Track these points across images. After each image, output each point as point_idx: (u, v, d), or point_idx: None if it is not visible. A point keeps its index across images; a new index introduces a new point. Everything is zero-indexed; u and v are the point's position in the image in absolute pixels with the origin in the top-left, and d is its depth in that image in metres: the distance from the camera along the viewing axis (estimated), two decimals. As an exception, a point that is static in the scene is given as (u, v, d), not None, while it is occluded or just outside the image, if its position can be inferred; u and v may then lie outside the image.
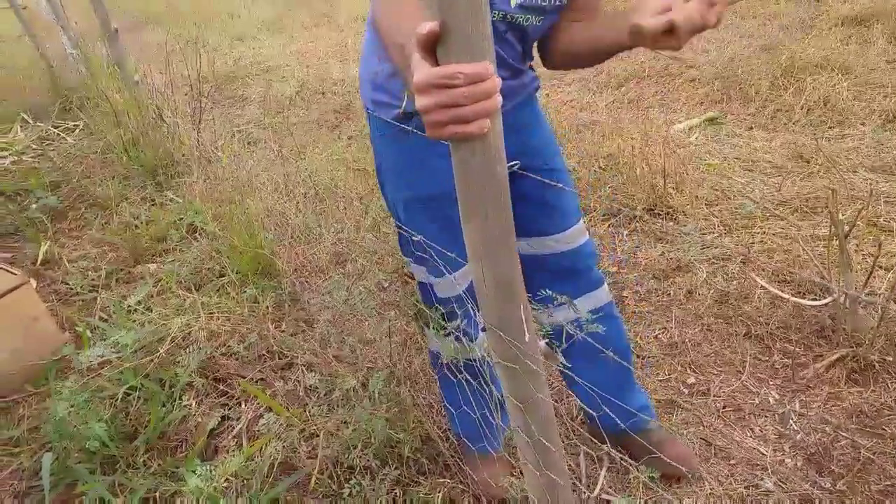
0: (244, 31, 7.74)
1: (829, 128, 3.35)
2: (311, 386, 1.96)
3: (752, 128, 3.53)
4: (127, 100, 3.68)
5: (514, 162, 1.31)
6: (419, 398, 1.80)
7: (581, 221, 1.48)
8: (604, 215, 2.84)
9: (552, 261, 1.48)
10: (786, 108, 3.61)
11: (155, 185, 3.47)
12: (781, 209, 2.68)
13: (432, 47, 0.74)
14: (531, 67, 1.38)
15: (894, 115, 3.33)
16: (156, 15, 8.77)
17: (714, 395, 1.90)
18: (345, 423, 1.77)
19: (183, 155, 3.48)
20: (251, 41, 7.31)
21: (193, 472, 1.57)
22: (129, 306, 2.38)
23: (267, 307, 2.32)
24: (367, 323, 2.05)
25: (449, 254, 1.35)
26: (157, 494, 1.66)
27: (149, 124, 3.59)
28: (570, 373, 1.35)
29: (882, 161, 2.93)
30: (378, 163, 1.44)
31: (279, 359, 2.14)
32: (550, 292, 1.33)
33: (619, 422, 1.25)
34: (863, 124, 3.31)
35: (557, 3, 1.20)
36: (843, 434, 1.72)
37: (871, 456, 1.65)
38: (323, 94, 5.11)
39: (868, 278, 1.90)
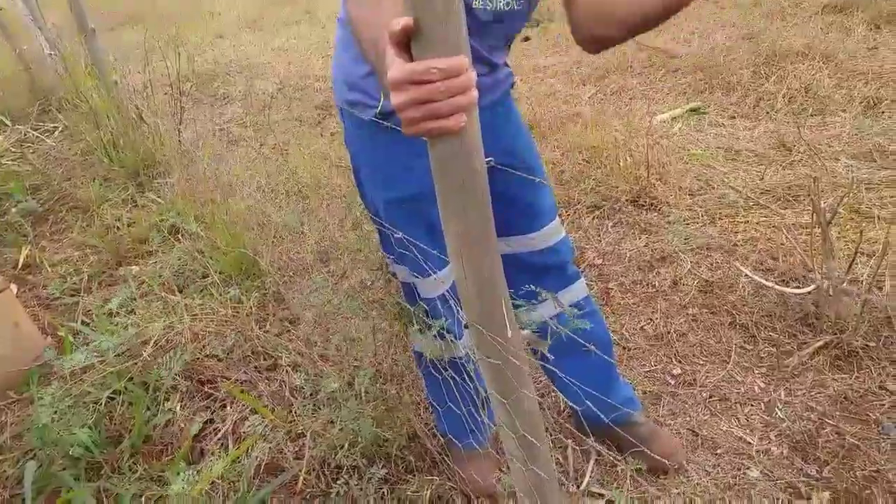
0: (225, 30, 7.68)
1: (811, 116, 3.36)
2: (296, 386, 1.95)
3: (734, 117, 3.54)
4: (106, 100, 3.64)
5: (489, 159, 1.30)
6: (406, 396, 1.79)
7: (556, 218, 1.48)
8: (588, 207, 2.84)
9: (529, 259, 1.47)
10: (768, 97, 3.62)
11: (136, 186, 3.43)
12: (764, 198, 2.69)
13: (406, 43, 0.72)
14: (506, 64, 1.37)
15: (875, 102, 3.34)
16: (134, 14, 8.67)
17: (700, 385, 1.90)
18: (331, 422, 1.75)
19: (164, 155, 3.44)
20: (232, 39, 7.25)
21: (178, 475, 1.56)
22: (112, 310, 2.35)
23: (251, 307, 2.31)
24: (351, 321, 2.03)
25: (432, 251, 1.34)
26: (143, 499, 1.65)
27: (129, 125, 3.55)
28: (553, 367, 1.34)
29: (863, 148, 2.95)
30: (355, 164, 1.42)
31: (264, 359, 2.13)
32: (533, 287, 1.32)
33: (602, 416, 1.24)
34: (844, 111, 3.33)
35: None
36: (829, 421, 1.73)
37: (856, 442, 1.66)
38: (305, 90, 5.08)
39: (850, 265, 1.91)
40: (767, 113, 3.50)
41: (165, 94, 4.12)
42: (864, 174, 2.72)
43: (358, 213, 2.70)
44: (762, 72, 3.88)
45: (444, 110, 0.72)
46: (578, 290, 1.55)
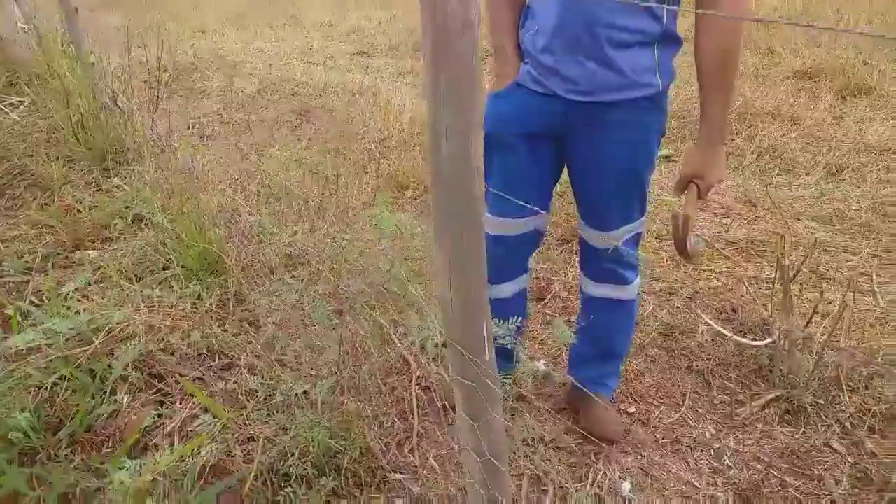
0: (207, 24, 7.60)
1: (777, 175, 3.48)
2: (251, 389, 1.91)
3: (704, 168, 3.63)
4: (81, 80, 3.55)
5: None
6: (364, 409, 1.77)
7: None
8: (557, 240, 2.88)
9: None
10: (737, 153, 3.74)
11: (102, 170, 3.34)
12: (729, 249, 2.76)
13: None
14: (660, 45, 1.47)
15: (837, 169, 3.48)
16: (117, -3, 8.52)
17: (654, 426, 1.93)
18: (284, 429, 1.72)
19: (135, 142, 3.37)
20: (213, 34, 7.18)
21: (120, 468, 1.50)
22: (66, 293, 2.27)
23: (211, 305, 2.26)
24: (314, 328, 2.01)
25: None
26: (79, 490, 1.58)
27: (101, 108, 3.46)
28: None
29: (823, 211, 3.06)
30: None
31: (219, 359, 2.08)
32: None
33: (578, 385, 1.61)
34: (808, 174, 3.46)
35: None
36: (774, 473, 1.77)
37: (798, 496, 1.70)
38: (284, 94, 5.05)
39: (808, 323, 1.97)
40: (736, 168, 3.61)
41: (144, 81, 4.04)
42: (824, 236, 2.82)
43: (329, 221, 2.68)
44: (734, 128, 4.01)
45: None
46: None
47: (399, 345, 2.00)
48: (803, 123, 4.00)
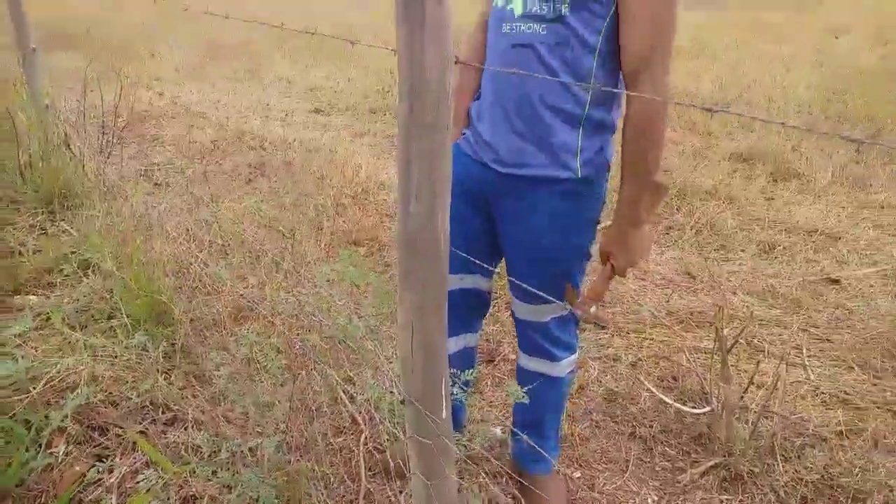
0: (163, 73, 7.60)
1: (714, 250, 3.65)
2: (195, 445, 1.86)
3: (647, 240, 3.79)
4: (32, 121, 3.50)
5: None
6: (312, 468, 1.75)
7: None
8: (506, 303, 2.94)
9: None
10: (677, 227, 3.92)
11: (48, 213, 3.27)
12: (669, 319, 2.87)
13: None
14: (586, 125, 1.44)
15: (770, 247, 3.68)
16: (72, 38, 8.45)
17: (598, 491, 1.96)
18: (228, 487, 1.68)
19: (86, 187, 3.32)
20: (169, 83, 7.18)
21: (53, 527, 1.44)
22: (2, 339, 2.19)
23: (157, 356, 2.21)
24: (263, 384, 1.99)
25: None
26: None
27: (52, 150, 3.41)
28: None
29: (757, 286, 3.22)
30: None
31: (164, 412, 2.03)
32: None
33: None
34: (743, 251, 3.64)
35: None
36: (713, 539, 1.81)
37: (736, 562, 1.74)
38: (239, 146, 5.06)
39: (744, 392, 2.06)
40: (675, 241, 3.77)
41: (99, 126, 4.01)
42: (758, 310, 2.97)
43: (283, 274, 2.68)
44: (674, 203, 4.20)
45: None
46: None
47: (348, 404, 2.00)
48: (738, 202, 4.24)
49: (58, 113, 3.69)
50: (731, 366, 2.50)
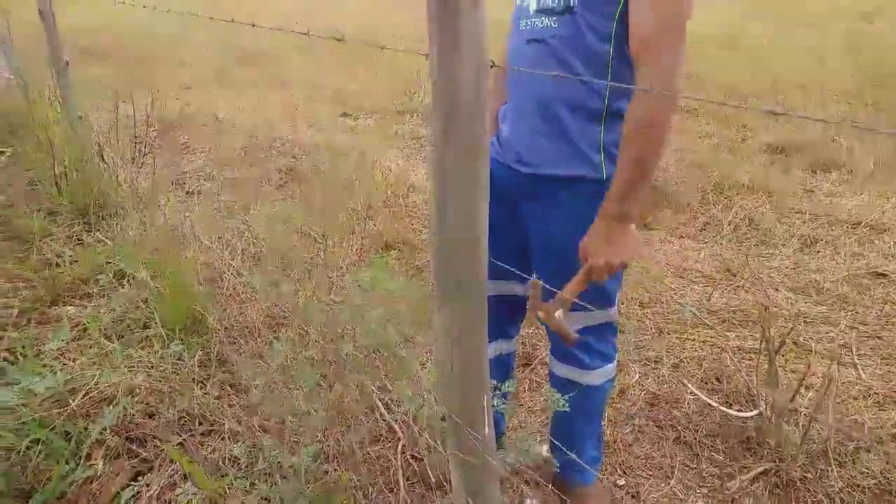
0: (193, 81, 7.68)
1: (754, 245, 3.55)
2: (232, 456, 1.85)
3: (683, 237, 3.71)
4: (67, 133, 3.55)
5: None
6: (348, 478, 1.72)
7: None
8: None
9: None
10: (715, 223, 3.82)
11: (84, 224, 3.31)
12: (711, 318, 2.79)
13: None
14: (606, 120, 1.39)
15: (812, 241, 3.57)
16: (104, 49, 8.59)
17: (643, 499, 1.90)
18: (266, 499, 1.67)
19: (120, 197, 3.35)
20: (199, 91, 7.24)
21: (94, 541, 1.44)
22: (42, 351, 2.21)
23: (193, 366, 2.21)
24: (299, 393, 1.97)
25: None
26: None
27: (86, 161, 3.45)
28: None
29: (801, 282, 3.12)
30: None
31: (200, 423, 2.02)
32: None
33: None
34: (784, 245, 3.53)
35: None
36: (765, 549, 1.75)
37: (791, 573, 1.67)
38: (269, 152, 5.08)
39: (794, 395, 1.98)
40: (714, 237, 3.68)
41: (131, 138, 4.04)
42: (803, 307, 2.87)
43: (316, 281, 2.67)
44: (710, 198, 4.11)
45: None
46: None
47: (385, 413, 1.97)
48: (777, 195, 4.12)
49: (91, 125, 3.73)
50: (780, 367, 2.42)
